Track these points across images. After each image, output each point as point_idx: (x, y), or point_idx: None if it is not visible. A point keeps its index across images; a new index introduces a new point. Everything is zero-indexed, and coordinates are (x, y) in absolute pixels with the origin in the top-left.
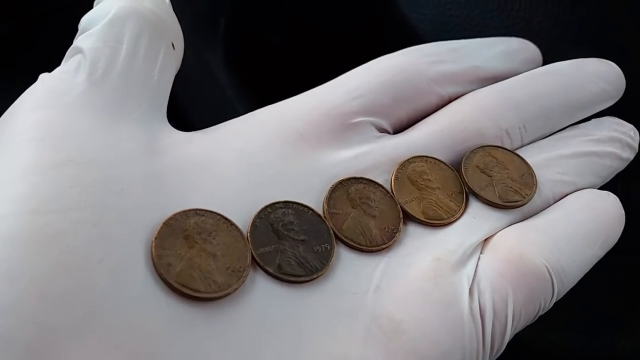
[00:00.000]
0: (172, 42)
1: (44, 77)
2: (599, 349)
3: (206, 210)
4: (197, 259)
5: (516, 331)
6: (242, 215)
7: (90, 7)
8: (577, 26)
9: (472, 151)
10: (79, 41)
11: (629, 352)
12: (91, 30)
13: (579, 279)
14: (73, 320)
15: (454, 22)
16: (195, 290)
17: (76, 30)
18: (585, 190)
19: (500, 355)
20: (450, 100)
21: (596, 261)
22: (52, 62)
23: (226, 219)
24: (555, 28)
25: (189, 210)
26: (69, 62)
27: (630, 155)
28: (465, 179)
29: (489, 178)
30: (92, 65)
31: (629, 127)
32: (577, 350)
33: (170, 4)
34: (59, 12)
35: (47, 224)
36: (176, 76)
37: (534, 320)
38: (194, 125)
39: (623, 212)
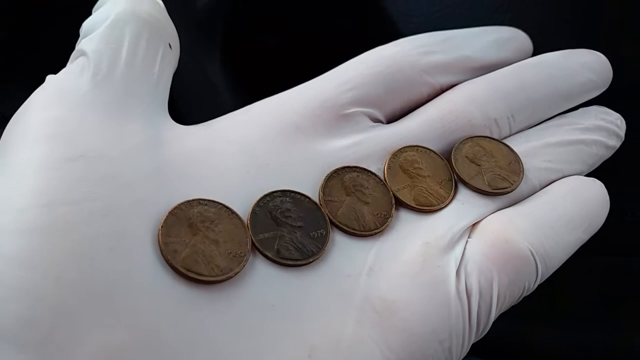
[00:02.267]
0: (169, 43)
1: (50, 78)
2: (593, 344)
3: (209, 200)
4: (201, 245)
5: (501, 311)
6: (242, 204)
7: (87, 11)
8: (567, 29)
9: (461, 142)
10: (82, 45)
11: (625, 348)
12: (93, 33)
13: (562, 261)
14: (87, 304)
15: (442, 29)
16: (200, 274)
17: (73, 35)
18: (572, 177)
19: (496, 352)
20: (442, 90)
21: (580, 245)
22: (50, 66)
23: (227, 207)
24: (542, 34)
25: (193, 200)
26: (74, 64)
27: (616, 144)
28: (456, 169)
29: (478, 167)
30: (96, 66)
31: (615, 116)
32: (571, 346)
33: (164, 7)
34: (57, 16)
35: (61, 215)
36: (173, 81)
37: (519, 300)
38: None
39: (608, 197)
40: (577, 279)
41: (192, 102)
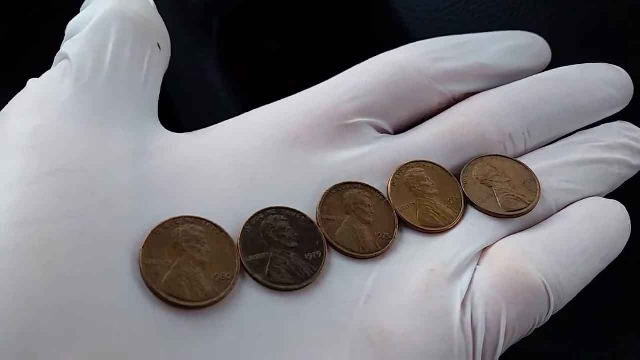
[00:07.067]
0: (158, 43)
1: (31, 82)
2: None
3: (195, 218)
4: (185, 267)
5: (509, 345)
6: (233, 222)
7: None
8: (580, 27)
9: (470, 163)
10: (65, 47)
11: None
12: (76, 35)
13: (577, 293)
14: (60, 330)
15: (452, 27)
16: (182, 299)
17: None
18: (591, 199)
19: None
20: (454, 99)
21: (597, 274)
22: (47, 66)
23: (216, 225)
24: (556, 33)
25: (178, 217)
26: (56, 68)
27: None
28: (465, 192)
29: (490, 189)
30: (79, 71)
31: (639, 133)
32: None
33: (155, 5)
34: (53, 15)
35: (33, 234)
36: (169, 78)
37: (530, 334)
38: (187, 127)
39: (629, 222)
40: (592, 289)
41: (189, 102)
